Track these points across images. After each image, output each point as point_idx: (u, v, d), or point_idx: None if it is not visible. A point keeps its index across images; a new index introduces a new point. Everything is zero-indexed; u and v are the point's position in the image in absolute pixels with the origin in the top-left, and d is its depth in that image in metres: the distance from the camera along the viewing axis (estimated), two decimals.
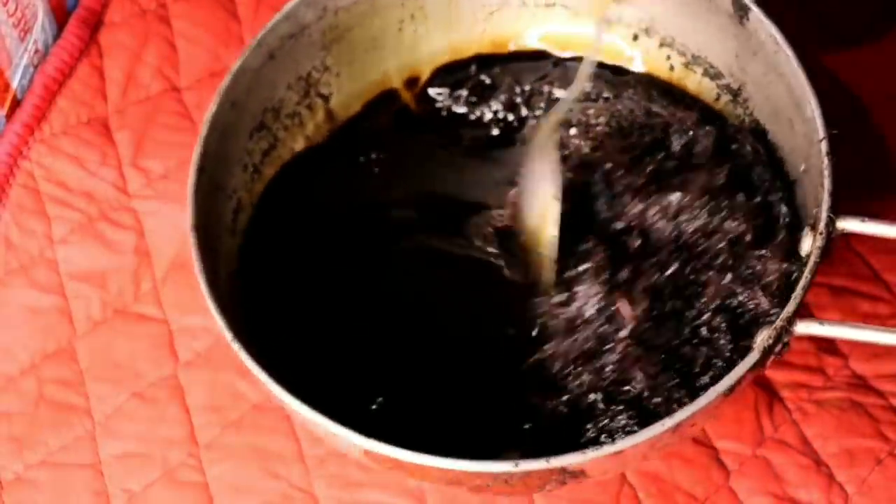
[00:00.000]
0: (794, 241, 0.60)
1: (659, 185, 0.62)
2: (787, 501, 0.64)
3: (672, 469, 0.65)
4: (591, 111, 0.68)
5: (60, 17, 0.86)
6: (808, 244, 0.58)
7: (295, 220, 0.69)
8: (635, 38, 0.72)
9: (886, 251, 0.71)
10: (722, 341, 0.58)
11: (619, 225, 0.62)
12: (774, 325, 0.55)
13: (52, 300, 0.75)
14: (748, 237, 0.60)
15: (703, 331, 0.59)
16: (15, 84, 0.82)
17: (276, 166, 0.70)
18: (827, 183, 0.57)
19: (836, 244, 0.58)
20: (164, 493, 0.68)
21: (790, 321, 0.55)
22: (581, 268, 0.60)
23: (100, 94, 0.83)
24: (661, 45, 0.72)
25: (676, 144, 0.65)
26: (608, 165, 0.64)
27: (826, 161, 0.58)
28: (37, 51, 0.84)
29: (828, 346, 0.68)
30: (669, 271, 0.60)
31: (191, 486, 0.68)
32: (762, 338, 0.56)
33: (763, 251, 0.59)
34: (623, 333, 0.59)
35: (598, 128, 0.67)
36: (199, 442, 0.69)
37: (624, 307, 0.59)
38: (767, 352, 0.55)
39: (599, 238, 0.61)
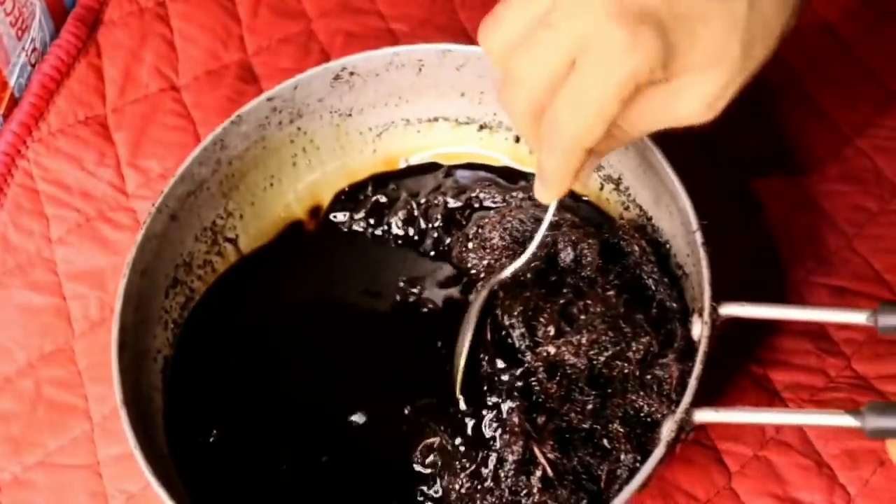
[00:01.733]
0: (688, 332, 0.62)
1: (562, 318, 0.63)
2: (789, 503, 0.63)
3: (674, 470, 0.65)
4: (486, 222, 0.69)
5: (58, 15, 0.86)
6: (699, 330, 0.59)
7: (214, 364, 0.68)
8: (518, 140, 0.74)
9: (887, 251, 0.71)
10: (623, 453, 0.60)
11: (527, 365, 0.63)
12: (675, 419, 0.57)
13: (50, 300, 0.75)
14: (653, 349, 0.61)
15: (605, 442, 0.60)
16: (12, 83, 0.82)
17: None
18: (706, 273, 0.59)
19: (723, 328, 0.59)
20: None
21: (688, 412, 0.57)
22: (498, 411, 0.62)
23: (98, 93, 0.83)
24: None
25: (566, 259, 0.66)
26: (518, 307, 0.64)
27: (702, 252, 0.60)
28: (34, 49, 0.84)
29: (829, 346, 0.68)
30: (589, 403, 0.61)
31: None
32: (666, 431, 0.58)
33: (666, 358, 0.60)
34: (538, 475, 0.59)
35: (494, 240, 0.68)
36: None
37: (539, 453, 0.60)
38: (673, 443, 0.57)
39: (511, 384, 0.62)
